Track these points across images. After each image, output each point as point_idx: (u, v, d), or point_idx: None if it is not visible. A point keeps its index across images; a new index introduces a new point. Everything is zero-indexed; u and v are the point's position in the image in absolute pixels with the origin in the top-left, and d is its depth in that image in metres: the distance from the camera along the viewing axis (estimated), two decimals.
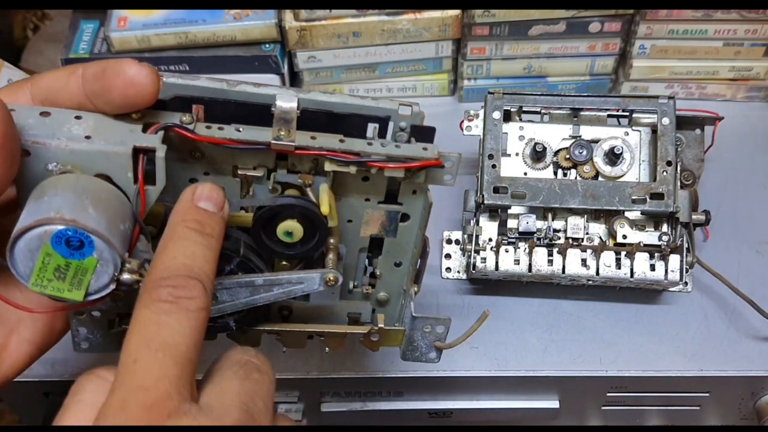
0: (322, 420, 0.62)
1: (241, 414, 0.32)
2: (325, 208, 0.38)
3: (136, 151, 0.35)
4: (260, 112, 0.38)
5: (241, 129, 0.37)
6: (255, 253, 0.40)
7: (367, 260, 0.44)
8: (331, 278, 0.39)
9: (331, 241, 0.40)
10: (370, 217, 0.41)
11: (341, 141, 0.37)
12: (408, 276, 0.44)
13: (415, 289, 0.44)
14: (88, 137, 0.35)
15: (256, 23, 0.69)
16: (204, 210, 0.36)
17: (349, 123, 0.39)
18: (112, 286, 0.34)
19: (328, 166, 0.38)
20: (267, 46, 0.70)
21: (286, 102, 0.37)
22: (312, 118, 0.38)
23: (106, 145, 0.35)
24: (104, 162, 0.35)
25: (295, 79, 0.74)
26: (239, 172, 0.38)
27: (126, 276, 0.34)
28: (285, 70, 0.71)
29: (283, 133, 0.37)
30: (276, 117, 0.37)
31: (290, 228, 0.39)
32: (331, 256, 0.40)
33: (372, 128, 0.39)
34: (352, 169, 0.38)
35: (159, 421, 0.29)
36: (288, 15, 0.69)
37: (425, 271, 0.45)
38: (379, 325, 0.44)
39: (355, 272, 0.44)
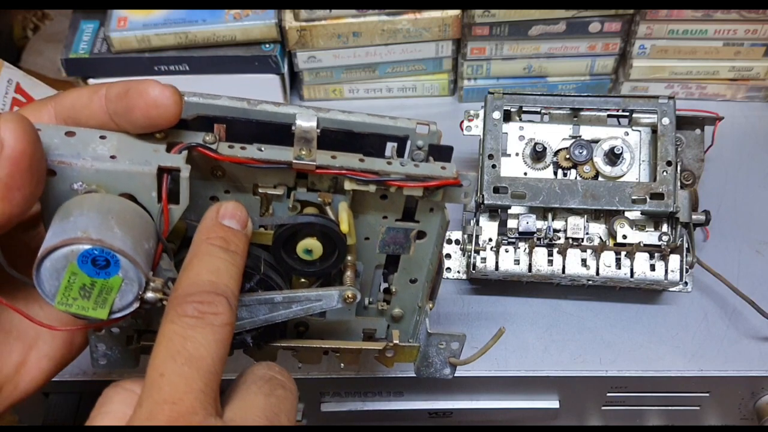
0: (322, 420, 0.62)
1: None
2: (344, 227, 0.38)
3: (161, 171, 0.35)
4: (281, 131, 0.38)
5: (263, 148, 0.37)
6: (275, 270, 0.40)
7: (382, 276, 0.44)
8: (350, 295, 0.40)
9: (349, 258, 0.40)
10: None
11: (361, 160, 0.38)
12: (423, 292, 0.44)
13: (430, 305, 0.44)
14: (113, 157, 0.35)
15: (256, 23, 0.69)
16: (228, 228, 0.36)
17: (368, 142, 0.39)
18: (136, 305, 0.35)
19: (348, 185, 0.38)
20: (267, 46, 0.70)
21: (306, 121, 0.38)
22: (331, 137, 0.38)
23: (131, 165, 0.35)
24: (129, 182, 0.35)
25: (295, 79, 0.74)
26: (260, 190, 0.39)
27: (150, 294, 0.34)
28: (285, 70, 0.71)
29: (304, 152, 0.37)
30: (297, 136, 0.37)
31: (310, 246, 0.39)
32: (349, 273, 0.40)
33: (390, 147, 0.40)
34: (372, 188, 0.38)
35: None
36: (288, 15, 0.69)
37: (439, 286, 0.45)
38: (395, 342, 0.44)
39: (370, 288, 0.44)
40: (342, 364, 0.46)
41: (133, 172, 0.35)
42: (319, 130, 0.38)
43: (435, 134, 0.39)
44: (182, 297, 0.33)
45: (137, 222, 0.35)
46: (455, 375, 0.58)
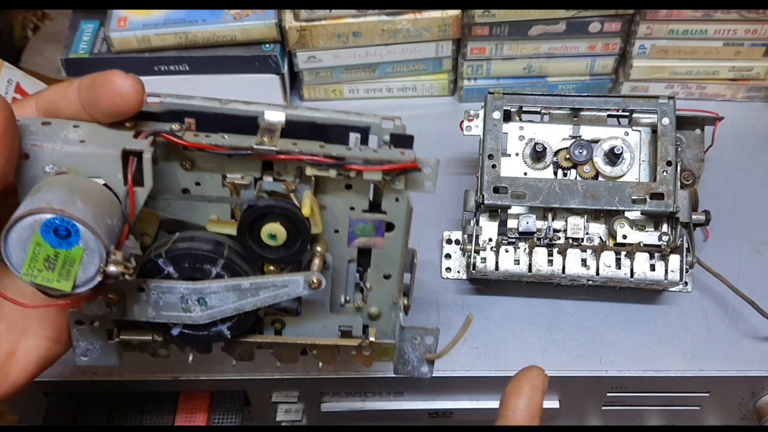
0: (322, 420, 0.62)
1: None
2: (306, 210, 0.39)
3: (126, 154, 0.37)
4: (249, 126, 0.40)
5: (226, 137, 0.38)
6: (241, 257, 0.41)
7: (357, 275, 0.44)
8: (315, 281, 0.40)
9: (318, 249, 0.41)
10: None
11: (321, 146, 0.39)
12: (398, 288, 0.44)
13: (405, 301, 0.45)
14: (82, 141, 0.37)
15: (256, 23, 0.69)
16: None
17: (332, 134, 0.40)
18: (99, 278, 0.36)
19: (309, 171, 0.39)
20: (267, 46, 0.70)
21: (274, 116, 0.39)
22: (296, 129, 0.40)
23: (98, 148, 0.37)
24: (97, 164, 0.37)
25: (295, 79, 0.74)
26: (227, 180, 0.40)
27: (112, 268, 0.36)
28: (285, 70, 0.71)
29: (266, 139, 0.38)
30: (261, 128, 0.39)
31: (273, 230, 0.40)
32: (316, 261, 0.41)
33: (354, 138, 0.41)
34: (332, 173, 0.39)
35: None
36: (288, 15, 0.69)
37: (414, 284, 0.46)
38: (371, 339, 0.44)
39: (345, 285, 0.44)
40: (320, 364, 0.46)
41: (99, 154, 0.37)
42: (283, 123, 0.39)
43: (399, 128, 0.41)
44: None
45: (101, 199, 0.37)
46: (455, 375, 0.58)
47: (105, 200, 0.37)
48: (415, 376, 0.46)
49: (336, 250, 0.43)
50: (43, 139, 0.37)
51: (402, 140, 0.41)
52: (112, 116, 0.38)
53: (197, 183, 0.40)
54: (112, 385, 0.58)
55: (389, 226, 0.42)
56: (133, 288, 0.40)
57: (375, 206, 0.42)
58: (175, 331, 0.43)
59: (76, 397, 0.59)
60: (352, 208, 0.41)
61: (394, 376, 0.58)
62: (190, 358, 0.46)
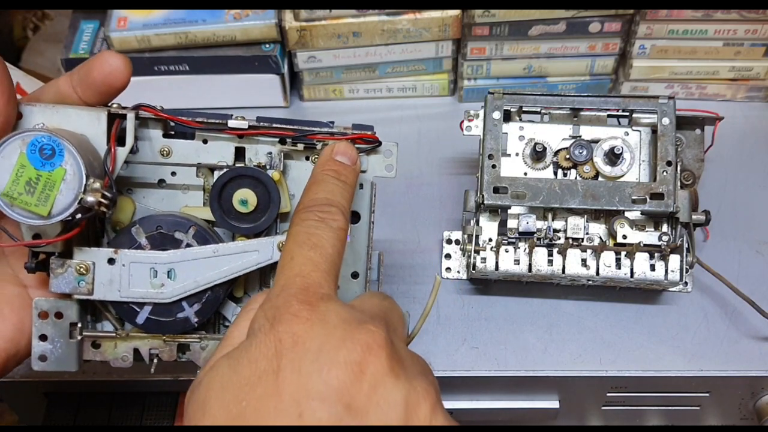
0: None
1: (380, 320, 0.35)
2: (275, 176, 0.44)
3: (111, 116, 0.41)
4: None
5: (201, 117, 0.43)
6: (213, 231, 0.44)
7: None
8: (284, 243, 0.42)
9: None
10: None
11: (289, 126, 0.44)
12: (365, 287, 0.46)
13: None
14: (72, 107, 0.42)
15: (256, 23, 0.69)
16: (340, 162, 0.42)
17: (299, 124, 0.44)
18: (76, 206, 0.38)
19: (278, 147, 0.44)
20: (267, 46, 0.70)
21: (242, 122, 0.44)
22: (267, 121, 0.45)
23: (86, 108, 0.41)
24: (84, 122, 0.41)
25: (295, 79, 0.74)
26: (201, 164, 0.44)
27: (90, 198, 0.38)
28: (285, 70, 0.71)
29: (238, 118, 0.43)
30: (234, 116, 0.44)
31: (245, 196, 0.43)
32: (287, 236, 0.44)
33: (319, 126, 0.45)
34: (300, 147, 0.44)
35: (313, 300, 0.34)
36: (288, 15, 0.69)
37: (381, 286, 0.49)
38: None
39: None
40: None
41: (87, 112, 0.41)
42: (254, 119, 0.44)
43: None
44: (305, 208, 0.39)
45: (86, 142, 0.41)
46: (455, 375, 0.58)
47: (89, 144, 0.41)
48: None
49: None
50: (35, 101, 0.41)
51: (363, 127, 0.45)
52: (102, 90, 0.42)
53: (173, 173, 0.44)
54: (112, 385, 0.58)
55: (354, 216, 0.45)
56: (103, 258, 0.42)
57: None
58: (140, 319, 0.43)
59: (76, 397, 0.59)
60: None
61: None
62: (153, 369, 0.45)
